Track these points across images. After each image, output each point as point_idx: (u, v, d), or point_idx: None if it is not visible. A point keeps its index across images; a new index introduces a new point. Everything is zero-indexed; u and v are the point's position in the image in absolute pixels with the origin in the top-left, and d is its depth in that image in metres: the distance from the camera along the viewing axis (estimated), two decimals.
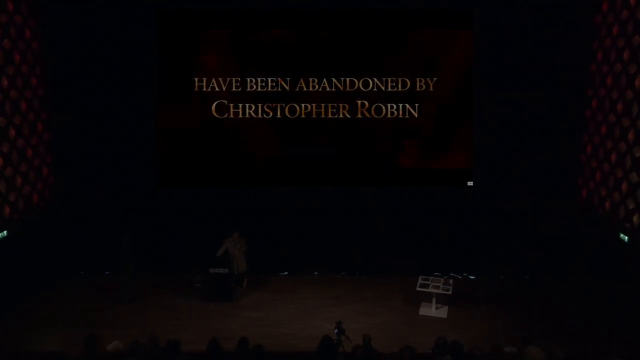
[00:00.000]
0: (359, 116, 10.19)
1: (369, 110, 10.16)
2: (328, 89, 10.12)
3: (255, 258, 10.60)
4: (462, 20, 9.89)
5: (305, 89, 10.12)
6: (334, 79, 10.08)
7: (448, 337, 6.72)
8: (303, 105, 10.18)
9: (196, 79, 10.10)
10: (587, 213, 10.20)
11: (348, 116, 10.18)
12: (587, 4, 9.86)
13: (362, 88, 10.09)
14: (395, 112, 10.13)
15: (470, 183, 10.25)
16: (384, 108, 10.12)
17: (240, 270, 10.32)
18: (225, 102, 10.19)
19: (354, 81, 10.07)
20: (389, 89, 10.08)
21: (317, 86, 10.11)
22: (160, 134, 10.25)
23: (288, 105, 10.18)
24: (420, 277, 9.86)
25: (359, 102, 10.12)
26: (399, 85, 10.07)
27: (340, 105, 10.15)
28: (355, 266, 11.14)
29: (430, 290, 9.57)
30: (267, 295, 10.35)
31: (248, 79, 10.09)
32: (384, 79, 10.06)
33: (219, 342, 6.58)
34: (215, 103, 10.17)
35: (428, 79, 10.03)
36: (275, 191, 10.72)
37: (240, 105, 10.18)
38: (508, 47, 10.07)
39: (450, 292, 9.54)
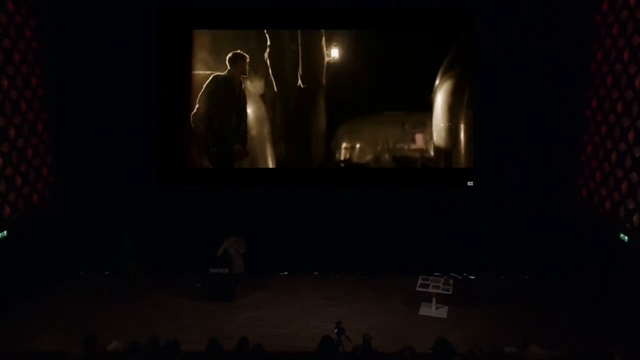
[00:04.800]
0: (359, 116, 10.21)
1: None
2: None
3: (256, 258, 10.60)
4: (461, 20, 9.89)
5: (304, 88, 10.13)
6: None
7: (448, 337, 6.72)
8: (302, 105, 10.19)
9: (196, 79, 10.10)
10: (587, 213, 10.20)
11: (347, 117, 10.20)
12: (587, 4, 9.86)
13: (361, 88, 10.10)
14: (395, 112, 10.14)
15: (470, 183, 10.25)
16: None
17: (237, 271, 10.29)
18: (225, 101, 10.20)
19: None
20: (389, 90, 10.09)
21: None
22: (160, 134, 10.24)
23: (287, 105, 10.19)
24: (420, 277, 9.86)
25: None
26: (399, 86, 10.07)
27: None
28: (355, 266, 11.14)
29: (430, 290, 9.57)
30: (267, 295, 10.35)
31: (248, 78, 10.10)
32: (383, 79, 10.06)
33: (219, 342, 6.58)
34: (215, 102, 10.17)
35: (427, 79, 10.04)
36: (276, 191, 10.72)
37: (240, 104, 10.19)
38: (508, 47, 10.07)
39: (450, 292, 9.54)
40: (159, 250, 10.84)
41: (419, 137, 10.14)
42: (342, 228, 10.87)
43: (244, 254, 10.29)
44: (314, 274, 11.22)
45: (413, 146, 10.21)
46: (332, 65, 10.05)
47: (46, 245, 10.32)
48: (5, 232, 9.29)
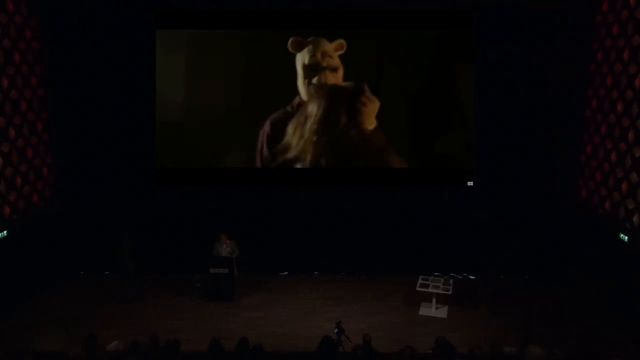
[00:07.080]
0: (359, 116, 10.19)
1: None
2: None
3: (256, 258, 10.60)
4: (461, 20, 9.88)
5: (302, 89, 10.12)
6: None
7: (448, 337, 6.72)
8: (301, 105, 10.19)
9: (195, 79, 10.09)
10: (587, 213, 10.20)
11: (347, 117, 10.18)
12: (587, 4, 9.87)
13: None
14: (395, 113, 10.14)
15: (470, 183, 10.24)
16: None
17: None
18: (225, 102, 10.20)
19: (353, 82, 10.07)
20: (389, 90, 10.09)
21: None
22: (160, 134, 10.23)
23: (285, 105, 10.18)
24: (420, 277, 9.86)
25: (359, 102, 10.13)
26: (399, 86, 10.07)
27: (340, 105, 10.15)
28: (355, 266, 11.14)
29: (430, 290, 9.57)
30: (267, 295, 10.35)
31: (246, 79, 10.09)
32: (383, 79, 10.06)
33: (219, 342, 6.59)
34: (214, 102, 10.16)
35: (428, 79, 10.03)
36: (275, 191, 10.72)
37: (240, 104, 10.19)
38: (508, 47, 10.06)
39: (450, 292, 9.54)
40: (159, 250, 10.83)
41: None
42: (342, 228, 10.87)
43: (236, 257, 10.14)
44: (314, 274, 11.22)
45: None
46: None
47: (46, 245, 10.32)
48: (5, 232, 9.29)
